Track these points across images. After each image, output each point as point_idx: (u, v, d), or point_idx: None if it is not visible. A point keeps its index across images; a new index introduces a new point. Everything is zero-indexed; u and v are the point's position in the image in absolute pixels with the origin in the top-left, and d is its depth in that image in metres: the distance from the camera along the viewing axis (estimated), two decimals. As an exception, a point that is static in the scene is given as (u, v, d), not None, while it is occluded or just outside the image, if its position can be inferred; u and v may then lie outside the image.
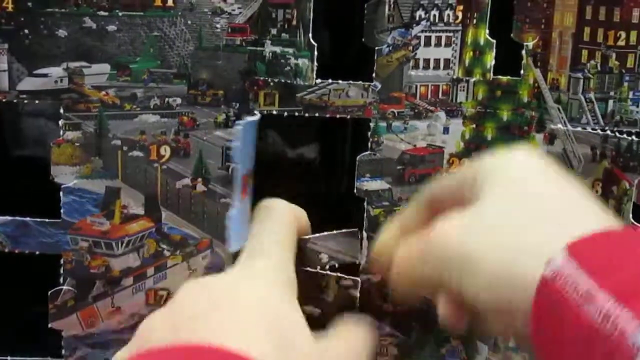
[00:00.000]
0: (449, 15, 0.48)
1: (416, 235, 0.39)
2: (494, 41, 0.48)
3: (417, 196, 0.41)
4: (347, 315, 0.42)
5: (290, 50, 0.47)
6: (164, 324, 0.34)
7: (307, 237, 0.44)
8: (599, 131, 0.50)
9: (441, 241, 0.36)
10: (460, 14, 0.48)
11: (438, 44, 0.48)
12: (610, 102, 0.50)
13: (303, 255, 0.45)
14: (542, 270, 0.30)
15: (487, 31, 0.48)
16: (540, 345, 0.31)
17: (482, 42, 0.48)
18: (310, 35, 0.47)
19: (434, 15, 0.48)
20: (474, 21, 0.48)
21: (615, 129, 0.50)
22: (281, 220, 0.41)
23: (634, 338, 0.27)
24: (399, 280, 0.39)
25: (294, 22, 0.47)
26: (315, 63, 0.47)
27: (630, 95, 0.50)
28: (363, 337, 0.40)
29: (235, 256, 0.49)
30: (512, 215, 0.34)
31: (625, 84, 0.50)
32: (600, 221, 0.33)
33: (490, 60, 0.49)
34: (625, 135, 0.50)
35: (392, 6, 0.48)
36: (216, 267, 0.48)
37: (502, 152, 0.37)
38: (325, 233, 0.48)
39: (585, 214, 0.34)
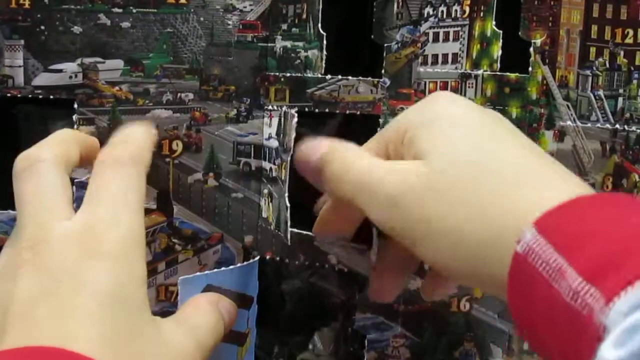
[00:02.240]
0: (456, 10, 0.49)
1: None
2: (500, 32, 0.49)
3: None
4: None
5: (301, 44, 0.48)
6: None
7: None
8: (607, 126, 0.50)
9: (396, 194, 0.34)
10: (467, 8, 0.49)
11: (446, 39, 0.49)
12: (620, 99, 0.50)
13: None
14: (515, 246, 0.30)
15: (494, 22, 0.49)
16: (517, 315, 0.31)
17: (489, 33, 0.49)
18: (320, 25, 0.47)
19: (442, 12, 0.49)
20: (481, 14, 0.49)
21: (625, 126, 0.50)
22: (138, 178, 0.37)
23: (601, 317, 0.27)
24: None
25: (304, 16, 0.47)
26: (325, 52, 0.48)
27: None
28: (207, 321, 0.40)
29: (244, 248, 0.49)
30: (470, 180, 0.33)
31: (634, 81, 0.50)
32: (565, 184, 0.32)
33: (497, 50, 0.49)
34: (634, 128, 0.50)
35: (400, 4, 0.48)
36: (227, 262, 0.49)
37: (429, 103, 0.37)
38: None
39: (547, 176, 0.33)
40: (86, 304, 0.33)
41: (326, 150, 0.38)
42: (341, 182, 0.37)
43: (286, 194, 0.47)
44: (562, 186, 0.32)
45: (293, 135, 0.46)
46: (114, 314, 0.34)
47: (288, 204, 0.47)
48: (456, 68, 0.49)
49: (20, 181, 0.37)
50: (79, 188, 0.48)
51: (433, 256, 0.34)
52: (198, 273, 0.47)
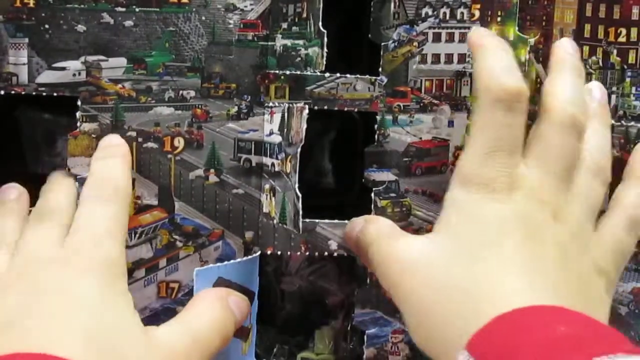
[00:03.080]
0: (462, 13, 0.50)
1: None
2: (527, 37, 0.50)
3: None
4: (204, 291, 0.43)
5: (301, 42, 0.49)
6: None
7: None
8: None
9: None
10: (477, 12, 0.50)
11: (450, 40, 0.50)
12: (613, 97, 0.51)
13: None
14: None
15: (517, 28, 0.50)
16: None
17: (511, 37, 0.49)
18: (321, 23, 0.48)
19: (444, 13, 0.50)
20: (498, 19, 0.49)
21: (623, 121, 0.51)
22: (119, 212, 0.41)
23: None
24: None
25: (304, 15, 0.48)
26: (325, 49, 0.49)
27: (633, 91, 0.51)
28: (211, 318, 0.41)
29: (245, 244, 0.50)
30: (434, 287, 0.38)
31: (628, 79, 0.51)
32: (508, 291, 0.36)
33: (524, 54, 0.50)
34: (633, 123, 0.51)
35: (397, 4, 0.49)
36: (228, 258, 0.49)
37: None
38: (336, 221, 0.49)
39: (492, 285, 0.36)
40: (71, 313, 0.35)
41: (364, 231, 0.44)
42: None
43: (296, 185, 0.48)
44: (503, 294, 0.35)
45: (304, 127, 0.47)
46: (98, 322, 0.35)
47: (299, 194, 0.48)
48: (464, 68, 0.50)
49: None
50: (82, 184, 0.49)
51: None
52: (211, 265, 0.47)
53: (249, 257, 0.49)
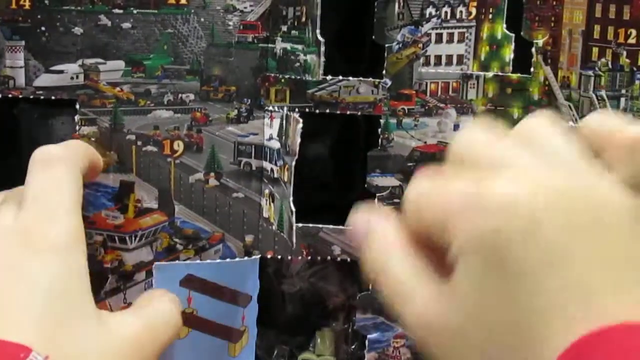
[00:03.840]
0: (461, 11, 0.48)
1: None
2: (513, 35, 0.48)
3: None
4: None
5: (300, 47, 0.48)
6: None
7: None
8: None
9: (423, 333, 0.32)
10: (474, 10, 0.48)
11: (450, 41, 0.49)
12: (622, 99, 0.50)
13: None
14: None
15: (504, 25, 0.48)
16: None
17: (499, 36, 0.48)
18: (319, 31, 0.47)
19: (446, 12, 0.49)
20: (490, 16, 0.48)
21: (628, 126, 0.50)
22: (70, 177, 0.39)
23: None
24: None
25: (303, 19, 0.47)
26: (323, 58, 0.48)
27: (642, 93, 0.50)
28: (161, 308, 0.40)
29: (245, 248, 0.50)
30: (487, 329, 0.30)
31: (637, 82, 0.50)
32: (586, 308, 0.31)
33: (509, 53, 0.49)
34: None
35: (401, 4, 0.48)
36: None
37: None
38: (341, 227, 0.49)
39: (565, 302, 0.31)
40: (23, 296, 0.34)
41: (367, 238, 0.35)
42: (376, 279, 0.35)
43: (290, 198, 0.47)
44: (577, 315, 0.30)
45: (298, 140, 0.46)
46: (52, 305, 0.35)
47: (293, 209, 0.47)
48: (461, 69, 0.49)
49: None
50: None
51: None
52: (177, 262, 0.47)
53: (238, 259, 0.49)
